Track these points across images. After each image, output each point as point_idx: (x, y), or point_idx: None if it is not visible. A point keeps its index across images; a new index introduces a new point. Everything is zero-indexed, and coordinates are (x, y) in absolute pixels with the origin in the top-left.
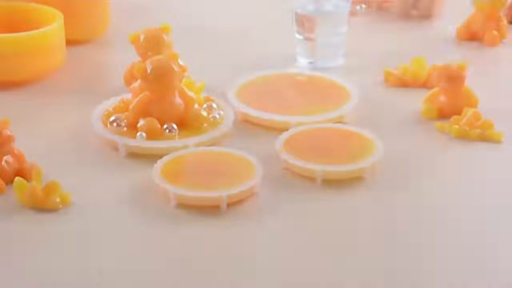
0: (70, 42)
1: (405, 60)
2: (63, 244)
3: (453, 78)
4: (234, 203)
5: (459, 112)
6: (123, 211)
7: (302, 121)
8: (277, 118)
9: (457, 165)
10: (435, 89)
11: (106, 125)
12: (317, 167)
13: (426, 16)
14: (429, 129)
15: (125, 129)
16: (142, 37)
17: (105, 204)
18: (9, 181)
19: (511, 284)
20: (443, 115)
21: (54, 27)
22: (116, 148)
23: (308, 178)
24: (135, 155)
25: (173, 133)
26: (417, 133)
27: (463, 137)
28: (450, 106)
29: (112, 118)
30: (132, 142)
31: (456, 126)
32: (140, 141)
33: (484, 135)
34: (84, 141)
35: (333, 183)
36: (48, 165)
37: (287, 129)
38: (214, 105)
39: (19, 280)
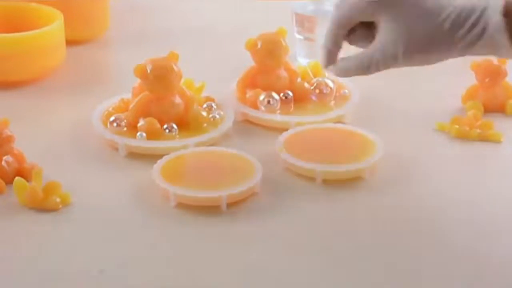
0: (70, 42)
1: None
2: (63, 244)
3: (496, 73)
4: (234, 203)
5: (502, 106)
6: (123, 211)
7: (302, 121)
8: (277, 118)
9: (457, 165)
10: (474, 85)
11: (106, 125)
12: (317, 167)
13: None
14: (429, 129)
15: (125, 129)
16: (259, 43)
17: (105, 204)
18: (9, 181)
19: (511, 284)
20: (487, 110)
21: (54, 27)
22: (116, 148)
23: (308, 178)
24: (135, 155)
25: (173, 133)
26: (417, 133)
27: (463, 137)
28: (492, 100)
29: (112, 118)
30: (132, 142)
31: (456, 126)
32: (140, 141)
33: (484, 135)
34: (84, 141)
35: (333, 183)
36: (48, 165)
37: (287, 129)
38: (214, 105)
39: (19, 280)
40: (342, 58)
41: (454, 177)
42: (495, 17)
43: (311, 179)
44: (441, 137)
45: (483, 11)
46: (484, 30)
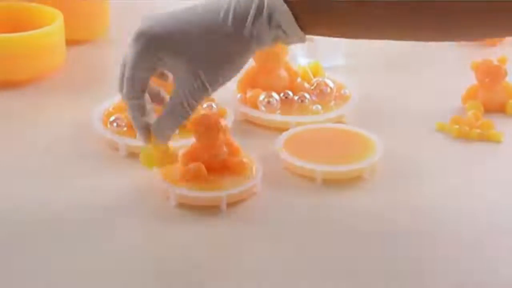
0: (70, 42)
1: (406, 59)
2: (63, 244)
3: (496, 73)
4: (234, 203)
5: (502, 106)
6: (123, 211)
7: (302, 121)
8: (277, 118)
9: (457, 165)
10: (473, 85)
11: (106, 125)
12: (317, 167)
13: None
14: (429, 129)
15: (125, 129)
16: None
17: (105, 204)
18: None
19: (511, 284)
20: (487, 110)
21: (54, 27)
22: (116, 148)
23: (308, 178)
24: (135, 155)
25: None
26: (417, 133)
27: (463, 137)
28: (492, 100)
29: (112, 118)
30: (132, 142)
31: (456, 126)
32: (140, 141)
33: (484, 135)
34: (84, 141)
35: (333, 183)
36: (48, 165)
37: (287, 129)
38: (214, 105)
39: (19, 281)
40: (155, 122)
41: (454, 177)
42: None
43: (311, 179)
44: (441, 137)
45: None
46: (270, 20)
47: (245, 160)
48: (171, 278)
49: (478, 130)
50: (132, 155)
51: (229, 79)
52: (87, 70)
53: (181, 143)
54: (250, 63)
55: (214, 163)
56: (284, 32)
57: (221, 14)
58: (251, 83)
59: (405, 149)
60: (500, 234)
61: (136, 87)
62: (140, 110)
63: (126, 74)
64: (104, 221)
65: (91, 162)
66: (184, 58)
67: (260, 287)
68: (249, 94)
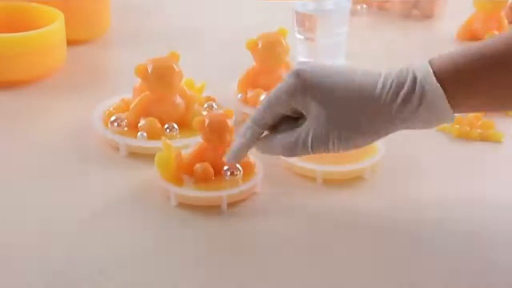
0: (70, 42)
1: (406, 60)
2: (63, 244)
3: None
4: (234, 203)
5: None
6: (123, 211)
7: None
8: None
9: (457, 165)
10: None
11: (106, 125)
12: (317, 167)
13: (426, 16)
14: (429, 129)
15: (125, 129)
16: (260, 43)
17: (105, 204)
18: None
19: (511, 284)
20: None
21: (55, 27)
22: (116, 148)
23: (308, 178)
24: (136, 155)
25: (174, 133)
26: (417, 133)
27: (464, 137)
28: None
29: (112, 118)
30: (132, 142)
31: (457, 126)
32: (140, 141)
33: (484, 135)
34: (84, 141)
35: (333, 183)
36: (48, 165)
37: None
38: (215, 105)
39: (19, 280)
40: (266, 136)
41: (455, 177)
42: (431, 85)
43: (311, 179)
44: (441, 137)
45: (414, 80)
46: (421, 98)
47: (251, 161)
48: (171, 277)
49: (479, 130)
50: (132, 155)
51: (358, 146)
52: (87, 70)
53: (184, 142)
54: (251, 63)
55: (221, 164)
56: (433, 112)
57: (379, 85)
58: (251, 83)
59: (405, 149)
60: (500, 234)
61: (267, 117)
62: (254, 138)
63: (264, 101)
64: (104, 221)
65: (91, 162)
66: (326, 112)
67: (260, 287)
68: (249, 94)
